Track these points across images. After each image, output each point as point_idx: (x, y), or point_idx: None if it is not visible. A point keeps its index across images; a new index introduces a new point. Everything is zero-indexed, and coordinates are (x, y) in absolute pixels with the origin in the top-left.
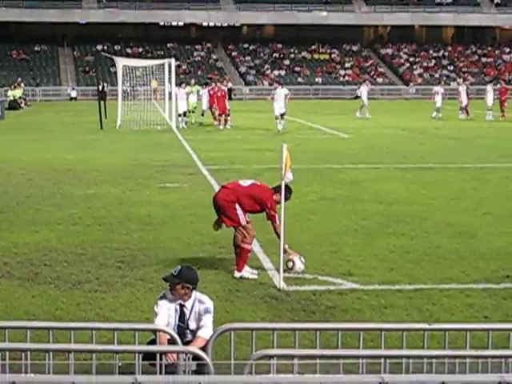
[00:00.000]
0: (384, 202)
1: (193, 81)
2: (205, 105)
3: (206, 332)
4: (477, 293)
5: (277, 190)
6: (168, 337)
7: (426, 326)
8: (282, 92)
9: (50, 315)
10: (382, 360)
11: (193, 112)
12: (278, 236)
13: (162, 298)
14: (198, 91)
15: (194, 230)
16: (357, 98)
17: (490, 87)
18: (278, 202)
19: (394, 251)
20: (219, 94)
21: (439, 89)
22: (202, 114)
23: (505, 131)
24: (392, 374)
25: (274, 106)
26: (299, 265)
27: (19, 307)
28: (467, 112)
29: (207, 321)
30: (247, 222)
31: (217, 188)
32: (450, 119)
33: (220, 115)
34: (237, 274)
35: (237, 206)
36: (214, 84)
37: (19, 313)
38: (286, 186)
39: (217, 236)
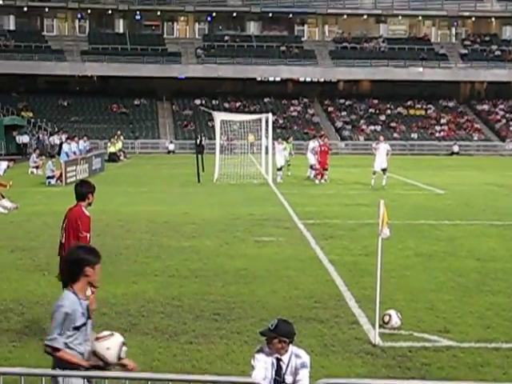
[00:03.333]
0: (481, 258)
1: (290, 137)
2: (312, 159)
3: None
4: None
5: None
6: None
7: None
8: (384, 147)
9: (147, 366)
10: None
11: (289, 165)
12: None
13: (258, 352)
14: (293, 146)
15: (290, 284)
16: (452, 154)
17: None
18: (90, 204)
19: (490, 309)
20: (323, 149)
21: None
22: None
23: None
24: None
25: (375, 160)
26: (396, 320)
27: None
28: None
29: (304, 375)
30: (91, 293)
31: (312, 242)
32: None
33: (319, 170)
34: None
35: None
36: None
37: None
38: (85, 182)
39: (312, 290)
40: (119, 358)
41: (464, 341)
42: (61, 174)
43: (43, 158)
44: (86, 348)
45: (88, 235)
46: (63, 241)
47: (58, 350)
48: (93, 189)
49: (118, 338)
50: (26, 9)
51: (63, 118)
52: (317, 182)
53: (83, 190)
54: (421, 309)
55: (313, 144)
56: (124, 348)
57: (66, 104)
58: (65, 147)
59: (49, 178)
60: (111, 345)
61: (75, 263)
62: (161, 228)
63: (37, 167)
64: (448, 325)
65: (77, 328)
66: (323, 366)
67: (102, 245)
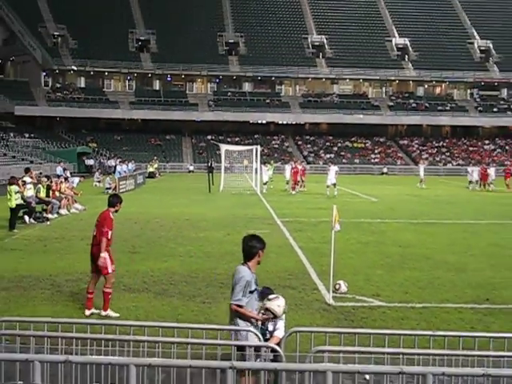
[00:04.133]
0: (402, 246)
1: (272, 161)
2: (288, 177)
3: (279, 333)
4: (466, 310)
5: (110, 205)
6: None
7: (431, 332)
8: (333, 169)
9: (174, 319)
10: (401, 356)
11: (271, 181)
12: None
13: None
14: (274, 168)
15: (272, 263)
16: (383, 174)
17: (470, 168)
18: (117, 211)
19: (408, 280)
20: (294, 170)
21: (473, 168)
22: (287, 183)
23: (486, 198)
24: (408, 366)
25: (327, 178)
26: (343, 287)
27: (154, 312)
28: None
29: (281, 325)
30: (112, 271)
31: (287, 234)
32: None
33: (293, 184)
34: (103, 313)
35: (106, 255)
36: (293, 163)
37: (154, 316)
38: (116, 195)
39: (287, 267)
40: (284, 313)
41: (390, 302)
42: (115, 186)
43: (103, 175)
44: (255, 307)
45: (109, 231)
46: (95, 234)
47: (241, 307)
48: (121, 200)
49: (283, 299)
50: (92, 73)
51: (117, 147)
52: (292, 192)
53: (114, 200)
54: (360, 280)
55: (288, 167)
56: (286, 306)
57: (119, 138)
58: (118, 168)
59: (107, 188)
60: (281, 303)
61: (252, 248)
62: (183, 224)
63: (99, 181)
64: (379, 291)
65: (251, 292)
66: (294, 319)
67: (143, 235)
